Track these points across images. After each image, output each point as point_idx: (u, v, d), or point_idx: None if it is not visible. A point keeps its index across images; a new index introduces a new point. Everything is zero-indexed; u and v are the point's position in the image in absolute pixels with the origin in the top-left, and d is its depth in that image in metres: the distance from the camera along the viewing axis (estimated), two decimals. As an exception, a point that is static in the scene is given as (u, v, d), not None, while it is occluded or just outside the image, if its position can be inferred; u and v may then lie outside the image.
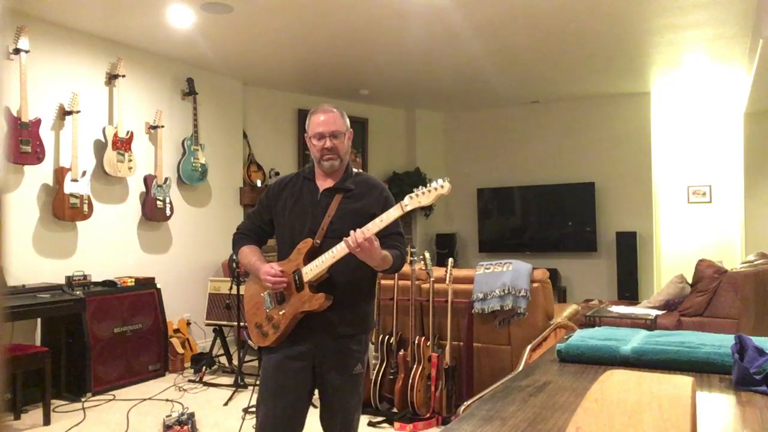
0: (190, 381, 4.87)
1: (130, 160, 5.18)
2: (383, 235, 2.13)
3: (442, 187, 2.02)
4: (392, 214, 2.07)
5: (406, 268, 3.90)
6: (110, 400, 4.42)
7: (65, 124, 4.81)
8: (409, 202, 2.06)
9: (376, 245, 2.02)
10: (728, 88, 7.20)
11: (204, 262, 6.00)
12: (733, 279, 4.34)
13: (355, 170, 2.35)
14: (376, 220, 2.07)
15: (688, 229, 7.73)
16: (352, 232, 2.02)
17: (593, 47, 5.67)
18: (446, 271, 3.87)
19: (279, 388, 2.21)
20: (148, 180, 5.41)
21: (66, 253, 4.84)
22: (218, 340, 5.22)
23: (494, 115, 8.44)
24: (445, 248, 8.14)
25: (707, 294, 4.37)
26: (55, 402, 4.22)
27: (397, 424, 3.71)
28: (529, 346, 3.30)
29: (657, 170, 7.68)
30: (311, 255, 2.17)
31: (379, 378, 3.91)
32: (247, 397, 4.11)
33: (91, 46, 5.05)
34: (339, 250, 2.09)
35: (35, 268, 4.60)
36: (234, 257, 4.70)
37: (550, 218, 8.07)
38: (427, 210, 8.20)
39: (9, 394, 3.89)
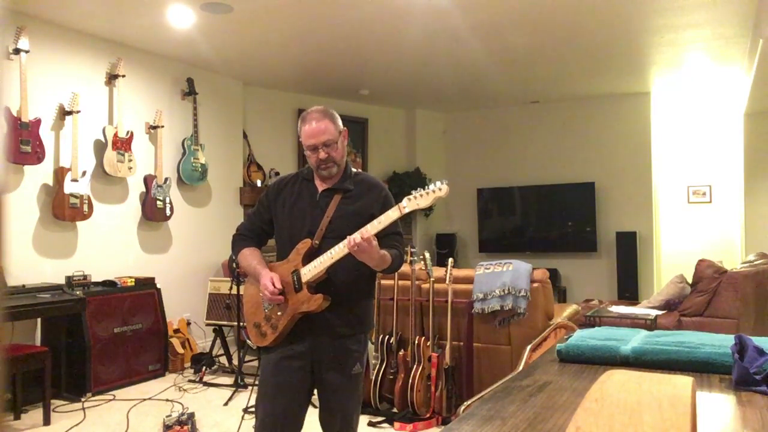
0: (190, 381, 4.87)
1: (130, 160, 5.18)
2: (382, 236, 2.13)
3: (440, 189, 2.02)
4: (390, 216, 2.07)
5: (406, 268, 3.90)
6: (110, 400, 4.42)
7: (65, 124, 4.81)
8: (408, 204, 2.06)
9: (374, 245, 2.03)
10: (728, 88, 7.19)
11: (204, 262, 6.00)
12: (733, 279, 4.34)
13: (354, 170, 2.34)
14: (374, 222, 2.07)
15: (688, 229, 7.73)
16: (351, 236, 2.03)
17: (593, 47, 5.67)
18: (446, 271, 3.87)
19: (278, 387, 2.21)
20: (148, 180, 5.41)
21: (66, 253, 4.84)
22: (218, 340, 5.22)
23: (494, 115, 8.44)
24: (445, 248, 8.14)
25: (707, 294, 4.37)
26: (55, 402, 4.22)
27: (397, 424, 3.71)
28: (529, 346, 3.31)
29: (657, 170, 7.68)
30: (310, 255, 2.17)
31: (379, 378, 3.90)
32: (247, 397, 4.10)
33: (91, 46, 5.05)
34: (338, 251, 2.09)
35: (35, 268, 4.60)
36: (234, 258, 4.70)
37: (550, 218, 8.07)
38: (427, 210, 8.20)
39: (9, 394, 3.89)
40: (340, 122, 2.25)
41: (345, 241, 2.05)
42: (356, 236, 2.01)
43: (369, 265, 2.12)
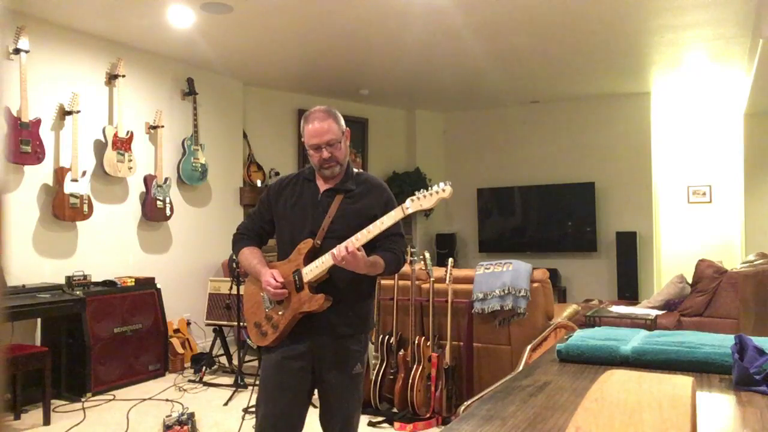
0: (190, 381, 4.87)
1: (130, 160, 5.18)
2: (382, 236, 2.13)
3: (443, 190, 2.02)
4: (393, 216, 2.07)
5: (406, 268, 3.89)
6: (110, 400, 4.42)
7: (65, 124, 4.81)
8: (411, 205, 2.06)
9: (360, 256, 2.03)
10: (728, 88, 7.19)
11: (204, 262, 6.00)
12: (733, 279, 4.34)
13: (355, 170, 2.34)
14: (377, 223, 2.07)
15: (688, 229, 7.73)
16: (336, 248, 2.04)
17: (593, 47, 5.67)
18: (446, 271, 3.87)
19: (278, 387, 2.21)
20: (148, 180, 5.41)
21: (66, 253, 4.84)
22: (218, 340, 5.22)
23: (494, 115, 8.44)
24: (445, 248, 8.14)
25: (707, 294, 4.37)
26: (55, 402, 4.22)
27: (397, 424, 3.71)
28: (529, 346, 3.31)
29: (657, 170, 7.68)
30: (311, 255, 2.17)
31: (379, 378, 3.90)
32: (247, 397, 4.11)
33: (91, 46, 5.05)
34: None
35: (35, 268, 4.60)
36: (234, 257, 4.70)
37: (550, 218, 8.07)
38: (427, 211, 8.19)
39: (9, 394, 3.89)
40: (343, 122, 2.25)
41: (332, 253, 2.05)
42: (342, 249, 2.02)
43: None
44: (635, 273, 7.35)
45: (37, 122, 4.46)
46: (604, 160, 7.75)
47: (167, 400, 4.39)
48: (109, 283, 4.83)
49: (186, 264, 5.85)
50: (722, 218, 7.59)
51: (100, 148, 5.07)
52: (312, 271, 2.14)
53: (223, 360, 5.20)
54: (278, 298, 2.19)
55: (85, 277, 4.70)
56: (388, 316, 4.05)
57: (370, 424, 3.73)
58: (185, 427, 3.59)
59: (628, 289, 7.34)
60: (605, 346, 1.69)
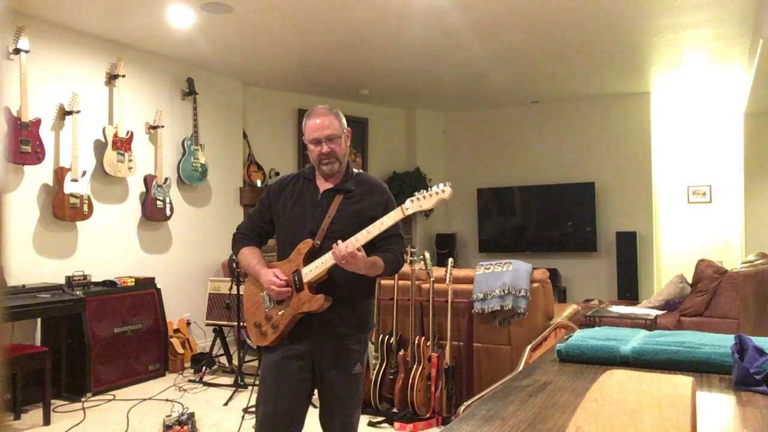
0: (190, 381, 4.87)
1: (130, 160, 5.18)
2: (382, 237, 2.13)
3: (443, 191, 2.02)
4: (393, 217, 2.08)
5: (406, 268, 3.90)
6: (110, 400, 4.42)
7: (65, 124, 4.81)
8: (410, 206, 2.06)
9: (360, 256, 2.03)
10: (728, 88, 7.19)
11: (204, 262, 6.00)
12: (733, 279, 4.35)
13: (355, 171, 2.34)
14: (377, 223, 2.08)
15: (688, 229, 7.73)
16: (335, 245, 2.03)
17: (593, 47, 5.67)
18: (446, 271, 3.87)
19: (278, 387, 2.21)
20: (148, 180, 5.41)
21: (66, 253, 4.84)
22: (218, 340, 5.22)
23: (494, 115, 8.44)
24: (445, 248, 8.14)
25: (707, 294, 4.37)
26: (55, 402, 4.22)
27: (397, 424, 3.71)
28: (529, 346, 3.31)
29: (657, 170, 7.68)
30: (311, 256, 2.17)
31: (379, 378, 3.91)
32: (247, 397, 4.11)
33: (91, 46, 5.05)
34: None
35: (35, 268, 4.59)
36: (234, 257, 4.70)
37: (550, 218, 8.07)
38: (427, 211, 8.19)
39: (9, 394, 3.89)
40: (344, 121, 2.27)
41: (333, 252, 2.05)
42: (342, 249, 2.02)
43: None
44: (635, 273, 7.36)
45: (37, 122, 4.46)
46: (604, 160, 7.75)
47: (167, 400, 4.39)
48: (109, 283, 4.83)
49: (186, 264, 5.85)
50: (722, 218, 7.59)
51: (100, 148, 5.07)
52: (312, 271, 2.14)
53: (223, 360, 5.20)
54: (281, 297, 2.19)
55: (85, 277, 4.70)
56: (388, 316, 4.05)
57: (370, 424, 3.73)
58: (185, 427, 3.59)
59: (628, 289, 7.34)
60: (605, 346, 1.69)
